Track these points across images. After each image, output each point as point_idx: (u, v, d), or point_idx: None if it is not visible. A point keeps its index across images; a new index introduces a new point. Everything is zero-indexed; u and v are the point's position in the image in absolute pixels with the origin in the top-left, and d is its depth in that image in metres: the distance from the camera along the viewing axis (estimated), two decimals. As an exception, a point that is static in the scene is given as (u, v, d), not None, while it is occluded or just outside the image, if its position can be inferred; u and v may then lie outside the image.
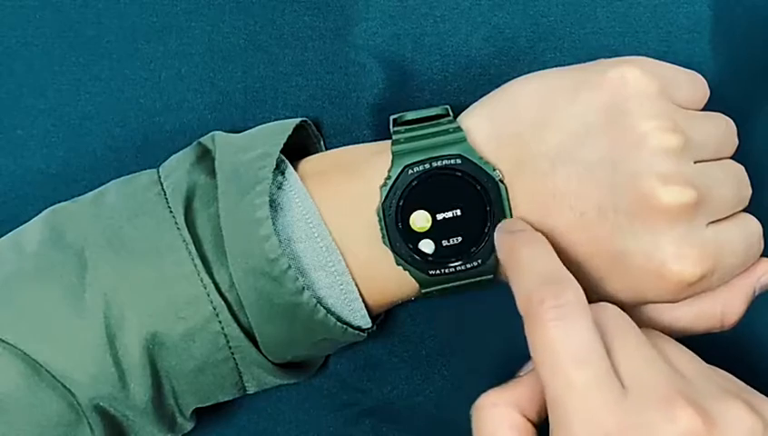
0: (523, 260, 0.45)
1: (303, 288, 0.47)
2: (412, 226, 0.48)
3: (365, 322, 0.50)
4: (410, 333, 0.56)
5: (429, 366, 0.56)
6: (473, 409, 0.45)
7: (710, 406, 0.42)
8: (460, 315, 0.56)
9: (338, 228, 0.48)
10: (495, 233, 0.47)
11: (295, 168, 0.50)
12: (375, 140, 0.53)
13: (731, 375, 0.45)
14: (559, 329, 0.41)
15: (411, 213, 0.48)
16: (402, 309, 0.55)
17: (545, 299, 0.42)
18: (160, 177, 0.50)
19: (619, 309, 0.45)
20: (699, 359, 0.46)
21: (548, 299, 0.42)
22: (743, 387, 0.45)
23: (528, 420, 0.44)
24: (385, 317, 0.55)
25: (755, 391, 0.45)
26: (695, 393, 0.42)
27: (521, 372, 0.47)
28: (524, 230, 0.46)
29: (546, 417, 0.43)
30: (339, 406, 0.56)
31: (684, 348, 0.46)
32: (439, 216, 0.48)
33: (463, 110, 0.50)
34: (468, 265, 0.48)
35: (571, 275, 0.43)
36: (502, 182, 0.47)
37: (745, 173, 0.49)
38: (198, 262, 0.47)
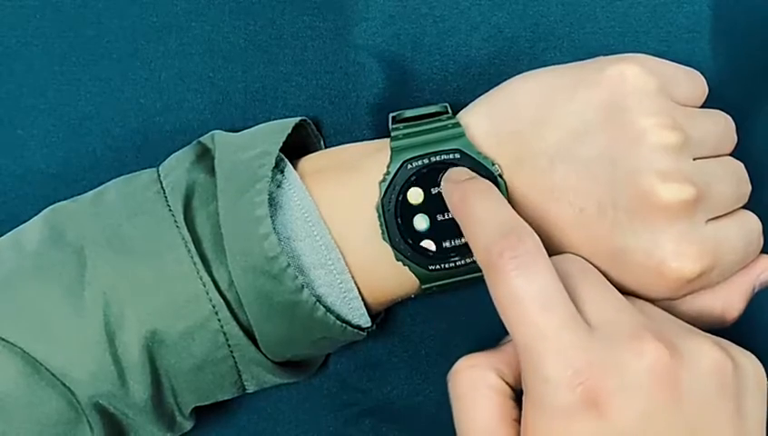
0: (476, 212, 0.45)
1: (302, 286, 0.47)
2: (412, 222, 0.48)
3: (364, 320, 0.50)
4: (410, 333, 0.56)
5: (429, 366, 0.56)
6: (450, 373, 0.45)
7: (676, 340, 0.43)
8: (460, 315, 0.56)
9: (337, 226, 0.48)
10: (441, 184, 0.48)
11: (294, 167, 0.50)
12: (375, 139, 0.53)
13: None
14: (521, 278, 0.42)
15: (412, 217, 0.48)
16: (402, 309, 0.55)
17: (503, 250, 0.43)
18: (159, 176, 0.50)
19: (583, 259, 0.46)
20: (662, 309, 0.47)
21: (507, 250, 0.42)
22: (712, 336, 0.45)
23: (506, 383, 0.45)
24: (385, 317, 0.55)
25: (720, 338, 0.45)
26: (662, 330, 0.43)
27: (502, 342, 0.47)
28: (472, 178, 0.47)
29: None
30: (339, 406, 0.56)
31: (648, 302, 0.47)
32: (440, 218, 0.48)
33: (462, 109, 0.50)
34: (468, 260, 0.48)
35: (525, 223, 0.44)
36: (501, 176, 0.47)
37: (744, 171, 0.49)
38: (197, 260, 0.47)
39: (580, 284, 0.44)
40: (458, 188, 0.46)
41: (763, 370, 0.45)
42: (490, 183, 0.47)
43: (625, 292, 0.47)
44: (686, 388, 0.42)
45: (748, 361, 0.45)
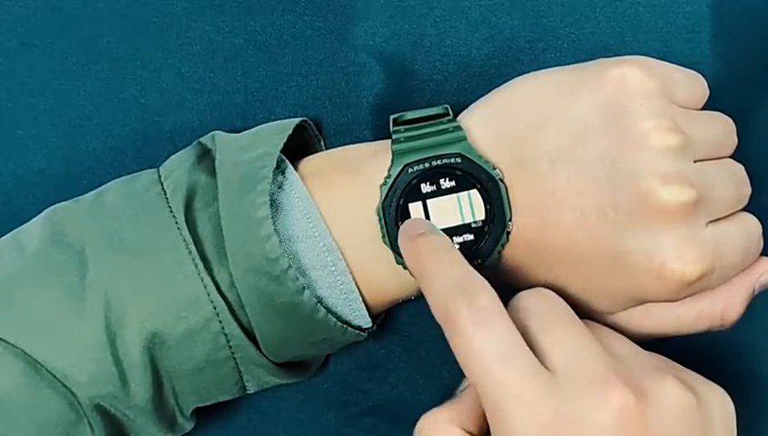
0: (431, 269, 0.45)
1: (303, 287, 0.47)
2: None
3: (365, 321, 0.50)
4: (410, 333, 0.56)
5: (429, 366, 0.56)
6: (415, 430, 0.46)
7: (642, 383, 0.43)
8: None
9: (338, 227, 0.48)
10: (398, 236, 0.48)
11: (295, 168, 0.50)
12: (375, 140, 0.53)
13: (664, 357, 0.46)
14: (479, 334, 0.42)
15: (411, 213, 0.48)
16: (402, 309, 0.55)
17: (459, 309, 0.43)
18: (160, 177, 0.50)
19: (548, 291, 0.46)
20: (631, 342, 0.47)
21: (462, 308, 0.43)
22: (677, 366, 0.46)
23: (470, 434, 0.45)
24: (385, 317, 0.55)
25: (688, 369, 0.46)
26: (626, 371, 0.43)
27: (459, 389, 0.47)
28: (424, 233, 0.47)
29: (487, 430, 0.44)
30: (339, 406, 0.56)
31: (616, 333, 0.47)
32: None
33: (463, 109, 0.50)
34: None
35: (480, 276, 0.44)
36: (502, 181, 0.47)
37: (745, 173, 0.49)
38: (198, 261, 0.48)
39: (543, 324, 0.44)
40: (413, 245, 0.46)
41: (729, 401, 0.45)
42: (445, 237, 0.47)
43: (626, 294, 0.47)
44: (653, 431, 0.42)
45: (715, 396, 0.45)
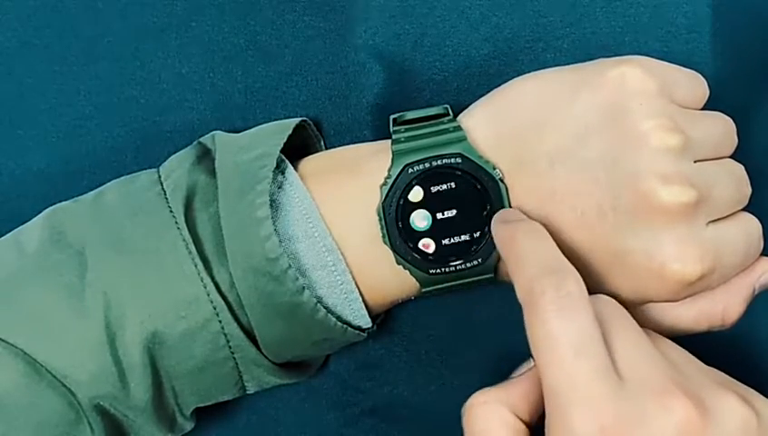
0: (523, 250, 0.44)
1: (303, 288, 0.47)
2: (412, 225, 0.48)
3: (365, 321, 0.50)
4: (410, 333, 0.56)
5: (429, 366, 0.56)
6: (464, 408, 0.45)
7: (704, 397, 0.42)
8: (460, 315, 0.56)
9: (338, 227, 0.48)
10: (492, 224, 0.47)
11: (295, 168, 0.50)
12: (375, 140, 0.53)
13: (724, 374, 0.46)
14: (560, 320, 0.41)
15: (411, 212, 0.48)
16: (402, 309, 0.55)
17: (546, 290, 0.42)
18: (160, 177, 0.50)
19: (617, 302, 0.45)
20: (694, 357, 0.46)
21: (549, 290, 0.42)
22: (737, 383, 0.45)
23: (520, 420, 0.44)
24: (385, 317, 0.55)
25: (748, 387, 0.45)
26: (690, 385, 0.42)
27: (515, 374, 0.47)
28: (521, 220, 0.46)
29: (539, 419, 0.44)
30: (339, 406, 0.56)
31: (680, 347, 0.46)
32: (439, 215, 0.48)
33: (463, 110, 0.50)
34: (469, 264, 0.48)
35: (571, 265, 0.43)
36: (502, 181, 0.47)
37: (745, 173, 0.49)
38: (198, 261, 0.48)
39: (614, 330, 0.43)
40: (508, 227, 0.46)
41: None
42: (539, 224, 0.46)
43: (627, 295, 0.47)
44: None
45: None
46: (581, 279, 0.43)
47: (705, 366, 0.45)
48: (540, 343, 0.42)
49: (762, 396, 0.45)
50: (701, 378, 0.44)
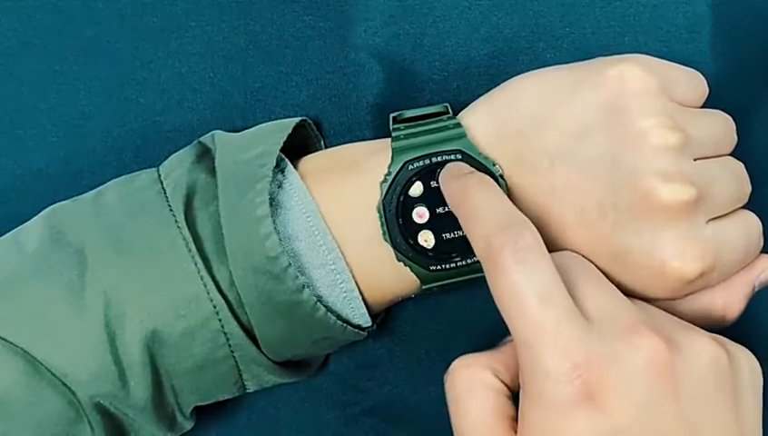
0: (476, 205, 0.45)
1: (303, 286, 0.47)
2: (413, 222, 0.48)
3: (365, 320, 0.50)
4: (410, 333, 0.56)
5: (429, 366, 0.56)
6: (447, 373, 0.46)
7: (673, 335, 0.43)
8: (460, 315, 0.56)
9: (337, 226, 0.48)
10: (440, 179, 0.48)
11: (295, 167, 0.50)
12: (375, 139, 0.53)
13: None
14: (521, 272, 0.42)
15: (412, 209, 0.48)
16: (402, 309, 0.55)
17: (504, 244, 0.43)
18: (160, 176, 0.50)
19: (578, 254, 0.46)
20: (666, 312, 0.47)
21: (508, 244, 0.43)
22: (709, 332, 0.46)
23: (503, 383, 0.45)
24: (385, 316, 0.55)
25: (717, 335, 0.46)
26: (659, 324, 0.43)
27: (500, 343, 0.47)
28: (471, 172, 0.47)
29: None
30: (339, 406, 0.56)
31: (643, 302, 0.47)
32: (439, 210, 0.48)
33: (463, 109, 0.50)
34: (469, 260, 0.48)
35: (525, 217, 0.44)
36: (502, 177, 0.47)
37: (745, 171, 0.49)
38: (198, 260, 0.47)
39: (579, 279, 0.44)
40: (458, 181, 0.46)
41: (757, 363, 0.45)
42: (488, 177, 0.47)
43: (626, 292, 0.47)
44: (684, 381, 0.42)
45: (743, 354, 0.45)
46: (536, 230, 0.43)
47: (678, 318, 0.46)
48: (505, 297, 0.43)
49: (735, 343, 0.45)
50: (669, 320, 0.45)
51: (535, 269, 0.42)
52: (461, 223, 0.46)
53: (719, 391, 0.43)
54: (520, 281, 0.42)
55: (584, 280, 0.44)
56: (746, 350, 0.45)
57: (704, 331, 0.45)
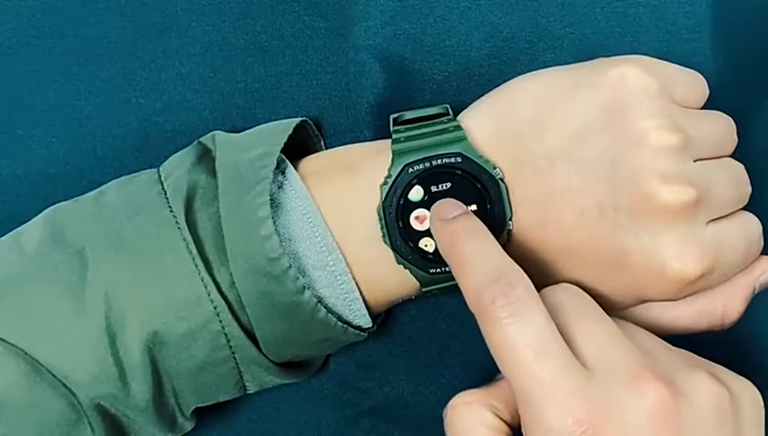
0: (465, 256, 0.45)
1: (304, 287, 0.47)
2: (412, 225, 0.48)
3: (365, 321, 0.50)
4: (410, 333, 0.56)
5: (429, 366, 0.56)
6: (446, 408, 0.45)
7: (675, 377, 0.43)
8: (460, 315, 0.56)
9: (338, 227, 0.48)
10: (430, 220, 0.48)
11: (295, 167, 0.50)
12: (375, 140, 0.53)
13: (691, 353, 0.46)
14: (515, 325, 0.42)
15: (412, 212, 0.48)
16: (402, 309, 0.55)
17: (495, 298, 0.43)
18: (160, 177, 0.50)
19: (575, 287, 0.46)
20: (662, 340, 0.46)
21: (499, 297, 0.43)
22: (705, 361, 0.46)
23: (502, 420, 0.45)
24: (385, 317, 0.55)
25: (716, 364, 0.45)
26: (659, 366, 0.43)
27: (498, 377, 0.47)
28: (459, 215, 0.47)
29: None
30: (339, 406, 0.56)
31: (643, 329, 0.47)
32: None
33: (463, 109, 0.50)
34: (469, 263, 0.48)
35: (516, 265, 0.44)
36: (503, 180, 0.47)
37: (745, 172, 0.49)
38: (199, 261, 0.47)
39: (574, 319, 0.44)
40: (447, 228, 0.46)
41: (759, 395, 0.45)
42: (478, 220, 0.46)
43: (626, 293, 0.47)
44: (687, 426, 0.42)
45: (745, 389, 0.45)
46: (527, 278, 0.43)
47: (673, 348, 0.46)
48: (500, 351, 0.42)
49: (735, 374, 0.45)
50: (669, 358, 0.44)
51: (528, 321, 0.42)
52: (452, 272, 0.45)
53: (722, 429, 0.43)
54: (514, 334, 0.42)
55: (580, 318, 0.44)
56: (748, 382, 0.45)
57: (703, 365, 0.45)
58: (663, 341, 0.46)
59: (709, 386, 0.43)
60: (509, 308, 0.42)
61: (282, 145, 0.49)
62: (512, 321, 0.42)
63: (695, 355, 0.46)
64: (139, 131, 0.55)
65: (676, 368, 0.44)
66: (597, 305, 0.45)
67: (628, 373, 0.42)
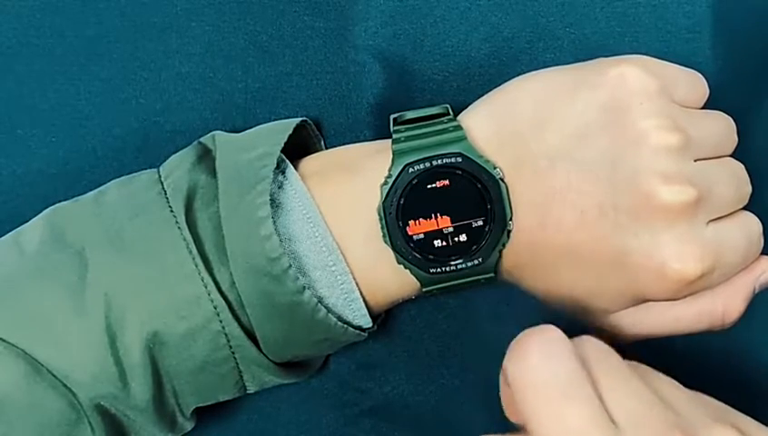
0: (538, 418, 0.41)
1: (304, 287, 0.47)
2: (411, 227, 0.48)
3: (365, 321, 0.50)
4: (410, 333, 0.56)
5: (429, 366, 0.56)
6: None
7: (700, 433, 0.41)
8: (460, 315, 0.56)
9: (338, 227, 0.48)
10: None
11: (295, 167, 0.50)
12: (375, 140, 0.53)
13: (712, 399, 0.44)
14: (545, 363, 0.40)
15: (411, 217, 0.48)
16: (402, 309, 0.55)
17: (531, 333, 0.41)
18: (160, 177, 0.50)
19: (598, 340, 0.43)
20: (680, 385, 0.44)
21: (533, 333, 0.41)
22: (727, 409, 0.44)
23: None
24: (385, 317, 0.55)
25: (737, 411, 0.44)
26: (686, 424, 0.41)
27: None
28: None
29: None
30: (339, 406, 0.56)
31: (664, 375, 0.44)
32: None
33: (463, 109, 0.50)
34: (469, 263, 0.48)
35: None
36: (503, 180, 0.47)
37: (745, 172, 0.49)
38: (199, 261, 0.47)
39: (601, 372, 0.41)
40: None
41: None
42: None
43: (627, 294, 0.47)
44: None
45: None
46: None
47: (696, 395, 0.44)
48: (524, 390, 0.40)
49: (756, 422, 0.44)
50: (695, 413, 0.42)
51: (559, 361, 0.40)
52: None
53: None
54: (545, 372, 0.40)
55: (607, 374, 0.41)
56: None
57: (729, 419, 0.42)
58: (686, 390, 0.44)
59: None
60: (542, 345, 0.41)
61: (282, 145, 0.49)
62: (543, 358, 0.40)
63: (720, 403, 0.44)
64: (139, 131, 0.55)
65: (702, 424, 0.41)
66: (619, 356, 0.43)
67: (656, 432, 0.40)
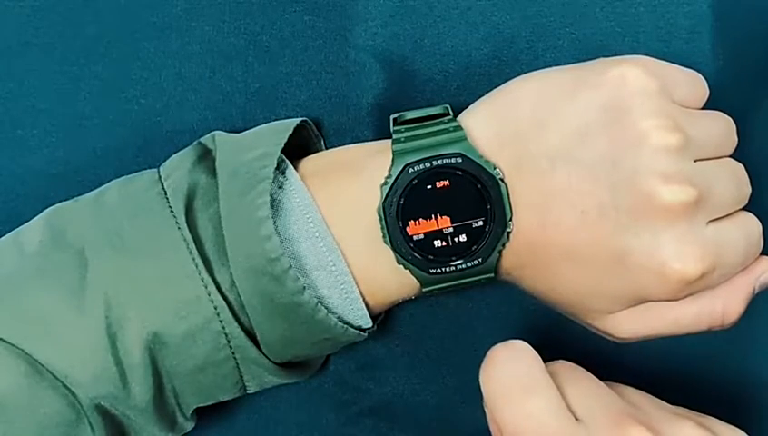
0: None
1: (304, 288, 0.47)
2: (411, 228, 0.48)
3: (365, 321, 0.50)
4: (410, 333, 0.56)
5: (429, 366, 0.56)
6: None
7: (660, 427, 0.43)
8: (460, 315, 0.56)
9: (338, 227, 0.48)
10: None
11: (295, 168, 0.50)
12: (375, 140, 0.53)
13: (684, 408, 0.46)
14: (509, 362, 0.44)
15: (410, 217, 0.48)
16: (402, 309, 0.55)
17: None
18: (160, 177, 0.50)
19: (570, 363, 0.47)
20: (649, 395, 0.47)
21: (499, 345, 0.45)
22: (695, 413, 0.46)
23: None
24: (385, 317, 0.55)
25: (706, 415, 0.46)
26: (645, 417, 0.44)
27: None
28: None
29: None
30: (339, 406, 0.56)
31: (634, 388, 0.47)
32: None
33: (463, 109, 0.50)
34: (469, 264, 0.48)
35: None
36: (503, 181, 0.47)
37: (745, 172, 0.49)
38: (199, 261, 0.47)
39: (567, 381, 0.45)
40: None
41: None
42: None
43: (627, 294, 0.47)
44: None
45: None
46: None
47: (666, 404, 0.46)
48: (493, 391, 0.44)
49: (723, 422, 0.45)
50: (657, 411, 0.45)
51: (522, 360, 0.44)
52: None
53: None
54: (508, 372, 0.44)
55: (572, 380, 0.45)
56: (736, 430, 0.46)
57: (690, 416, 0.45)
58: (653, 398, 0.47)
59: (694, 432, 0.44)
60: (504, 351, 0.45)
61: (283, 145, 0.49)
62: (506, 360, 0.44)
63: (685, 408, 0.47)
64: (139, 131, 0.56)
65: (663, 417, 0.44)
66: (591, 375, 0.46)
67: (614, 421, 0.43)
